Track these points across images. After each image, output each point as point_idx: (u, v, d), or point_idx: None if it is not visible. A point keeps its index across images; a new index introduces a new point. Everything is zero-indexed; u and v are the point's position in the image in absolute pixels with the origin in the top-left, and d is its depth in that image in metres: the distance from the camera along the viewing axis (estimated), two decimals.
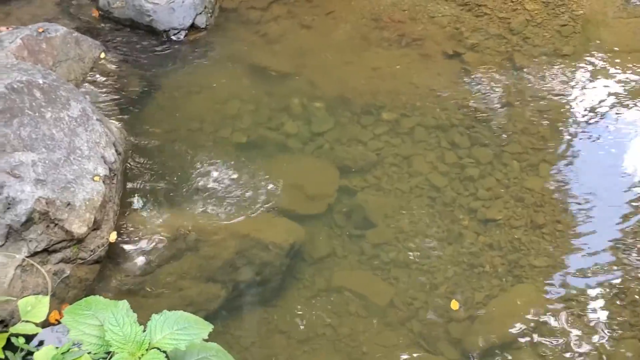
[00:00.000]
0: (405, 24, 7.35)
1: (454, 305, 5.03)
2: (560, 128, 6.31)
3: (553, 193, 5.76)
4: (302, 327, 4.96)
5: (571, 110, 6.49)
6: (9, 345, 3.59)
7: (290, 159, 5.98)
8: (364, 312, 5.05)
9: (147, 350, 2.90)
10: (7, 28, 6.29)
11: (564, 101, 6.56)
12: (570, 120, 6.39)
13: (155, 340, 2.94)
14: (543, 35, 7.24)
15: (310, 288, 5.19)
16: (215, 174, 5.76)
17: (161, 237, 5.06)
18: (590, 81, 6.79)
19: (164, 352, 2.90)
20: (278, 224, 5.45)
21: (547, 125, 6.31)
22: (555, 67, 6.90)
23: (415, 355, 4.81)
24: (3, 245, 4.26)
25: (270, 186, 5.73)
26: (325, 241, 5.45)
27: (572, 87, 6.70)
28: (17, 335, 3.61)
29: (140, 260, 4.98)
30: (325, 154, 6.03)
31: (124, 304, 3.12)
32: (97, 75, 6.36)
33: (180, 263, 5.01)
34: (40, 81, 5.03)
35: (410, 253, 5.37)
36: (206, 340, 3.23)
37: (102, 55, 6.55)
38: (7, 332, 3.60)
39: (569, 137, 6.24)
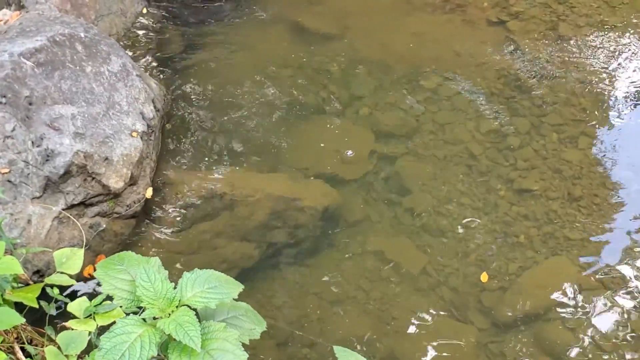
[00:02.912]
0: None
1: (484, 277, 5.01)
2: (603, 101, 6.21)
3: (591, 166, 5.69)
4: (333, 289, 4.99)
5: (615, 83, 6.38)
6: (44, 296, 3.64)
7: (329, 123, 5.97)
8: (395, 277, 5.06)
9: (177, 307, 2.93)
10: None
11: (608, 73, 6.45)
12: (614, 93, 6.29)
13: (185, 298, 2.97)
14: (590, 5, 7.10)
15: (343, 251, 5.20)
16: (253, 135, 5.76)
17: (197, 196, 5.10)
18: (636, 53, 6.66)
19: (194, 309, 2.93)
20: (314, 187, 5.46)
21: (589, 97, 6.21)
22: (601, 38, 6.78)
23: (444, 322, 4.82)
24: (41, 196, 4.32)
25: (308, 149, 5.73)
26: (360, 206, 5.46)
27: (617, 59, 6.58)
28: (51, 286, 3.65)
29: (175, 217, 5.02)
30: (364, 119, 6.01)
31: (156, 260, 3.14)
32: (139, 31, 6.37)
33: (215, 222, 5.05)
34: (82, 35, 5.06)
35: (445, 221, 5.35)
36: (237, 299, 3.26)
37: (145, 10, 6.55)
38: (42, 282, 3.65)
39: (611, 111, 6.14)
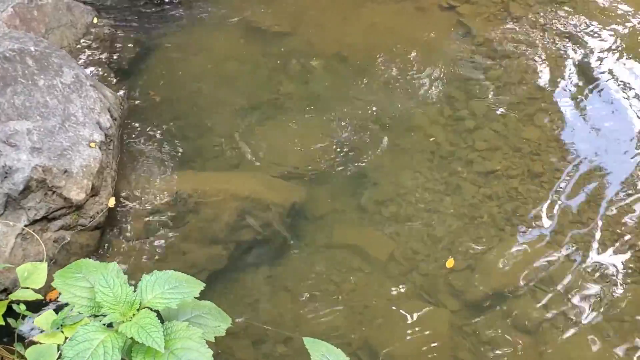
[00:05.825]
0: None
1: (450, 263, 5.03)
2: (558, 77, 6.27)
3: (550, 142, 5.74)
4: (305, 284, 4.99)
5: (569, 59, 6.44)
6: (11, 313, 3.64)
7: (288, 119, 5.97)
8: (365, 267, 5.07)
9: (138, 310, 2.93)
10: None
11: (561, 50, 6.51)
12: (568, 69, 6.35)
13: (146, 300, 2.96)
14: None
15: (312, 246, 5.20)
16: (213, 136, 5.76)
17: (161, 201, 5.09)
18: (589, 29, 6.72)
19: (156, 311, 2.92)
20: (278, 184, 5.46)
21: (543, 75, 6.27)
22: (552, 15, 6.84)
23: (417, 307, 4.83)
24: (2, 214, 4.30)
25: (270, 147, 5.74)
26: (326, 200, 5.46)
27: (570, 36, 6.65)
28: (18, 303, 3.65)
29: (140, 224, 5.01)
30: (323, 113, 6.01)
31: (114, 265, 3.14)
32: (91, 41, 6.33)
33: (182, 226, 5.04)
34: (32, 49, 5.03)
35: (410, 207, 5.37)
36: (205, 299, 3.27)
37: (95, 20, 6.51)
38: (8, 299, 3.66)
39: (566, 86, 6.20)
